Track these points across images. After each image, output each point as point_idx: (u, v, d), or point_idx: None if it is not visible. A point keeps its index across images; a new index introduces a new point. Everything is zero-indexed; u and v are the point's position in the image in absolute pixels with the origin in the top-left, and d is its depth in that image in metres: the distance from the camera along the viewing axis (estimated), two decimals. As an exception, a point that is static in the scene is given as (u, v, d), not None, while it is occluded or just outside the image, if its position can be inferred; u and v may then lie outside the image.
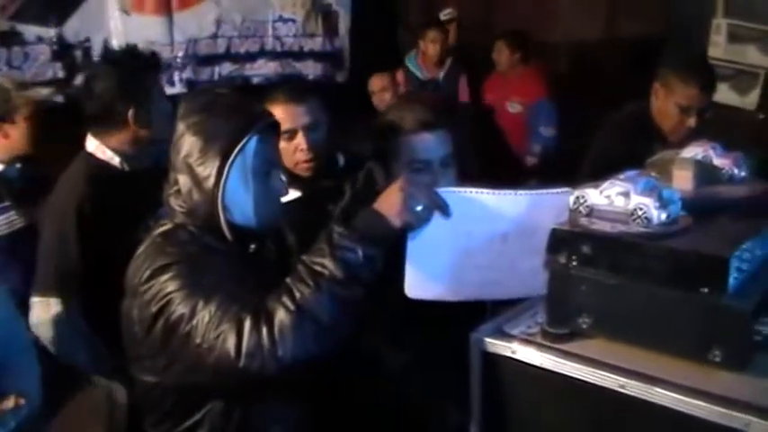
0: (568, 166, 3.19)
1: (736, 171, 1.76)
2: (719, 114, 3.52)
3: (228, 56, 5.90)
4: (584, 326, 1.55)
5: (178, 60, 5.62)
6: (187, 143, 1.81)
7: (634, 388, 1.42)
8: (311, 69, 6.32)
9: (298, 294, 1.64)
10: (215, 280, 1.74)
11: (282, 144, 2.18)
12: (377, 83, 5.18)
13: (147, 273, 1.77)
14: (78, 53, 5.08)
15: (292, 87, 2.62)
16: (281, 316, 1.63)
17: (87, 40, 5.11)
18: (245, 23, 5.91)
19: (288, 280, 1.68)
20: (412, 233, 1.72)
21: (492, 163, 4.78)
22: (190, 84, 5.64)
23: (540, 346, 1.56)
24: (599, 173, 1.64)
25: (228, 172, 1.78)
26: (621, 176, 1.57)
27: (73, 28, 5.05)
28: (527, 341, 1.58)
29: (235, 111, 1.85)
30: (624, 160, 1.74)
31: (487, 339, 1.61)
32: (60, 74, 4.99)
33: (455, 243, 1.74)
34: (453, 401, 1.84)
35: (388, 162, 2.09)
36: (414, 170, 2.02)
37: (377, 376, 2.04)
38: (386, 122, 2.10)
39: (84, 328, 2.51)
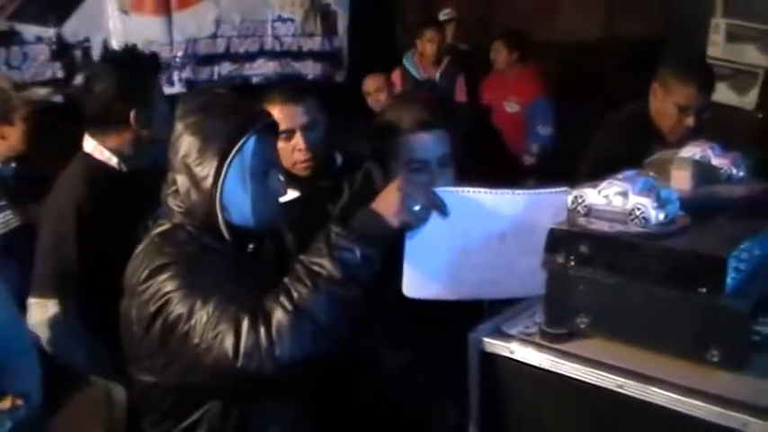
0: (566, 165, 3.19)
1: (734, 171, 1.76)
2: (718, 114, 3.52)
3: (228, 55, 5.91)
4: (583, 326, 1.55)
5: (177, 60, 5.62)
6: (185, 143, 1.81)
7: (632, 388, 1.42)
8: (310, 69, 6.33)
9: (295, 294, 1.64)
10: (213, 280, 1.74)
11: (280, 144, 2.18)
12: (372, 84, 5.18)
13: (146, 272, 1.77)
14: (77, 53, 5.08)
15: (290, 87, 2.62)
16: (278, 316, 1.63)
17: (86, 39, 5.12)
18: (245, 23, 5.92)
19: (286, 280, 1.68)
20: (410, 233, 1.72)
21: (489, 163, 4.78)
22: (189, 83, 5.65)
23: (538, 346, 1.56)
24: (598, 173, 1.64)
25: (226, 172, 1.78)
26: (620, 176, 1.57)
27: (72, 28, 5.06)
28: (525, 341, 1.58)
29: (233, 111, 1.85)
30: (623, 160, 1.74)
31: (486, 339, 1.61)
32: (59, 74, 5.00)
33: (453, 242, 1.74)
34: (453, 401, 1.84)
35: (386, 162, 2.09)
36: (411, 170, 2.02)
37: (375, 376, 2.05)
38: (384, 122, 2.11)
39: (81, 329, 2.50)
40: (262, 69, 6.07)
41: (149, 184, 1.99)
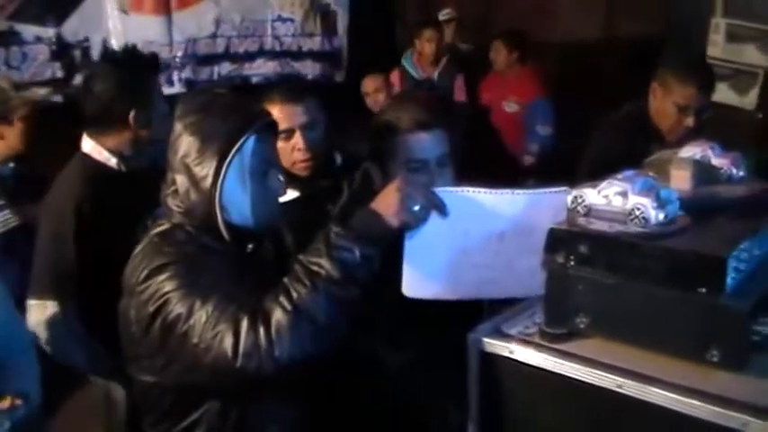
0: (566, 165, 3.19)
1: (734, 171, 1.75)
2: (718, 114, 3.52)
3: (228, 55, 5.91)
4: (582, 326, 1.55)
5: (177, 60, 5.63)
6: (184, 143, 1.81)
7: (631, 388, 1.42)
8: (310, 69, 6.33)
9: (295, 294, 1.64)
10: (212, 280, 1.74)
11: (280, 144, 2.18)
12: (370, 84, 5.18)
13: (145, 272, 1.77)
14: (77, 53, 5.09)
15: (289, 87, 2.62)
16: (277, 316, 1.63)
17: (86, 39, 5.12)
18: (244, 23, 5.92)
19: (285, 280, 1.68)
20: (409, 233, 1.72)
21: (488, 162, 4.78)
22: (189, 83, 5.65)
23: (537, 346, 1.56)
24: (597, 173, 1.64)
25: (226, 172, 1.78)
26: (619, 176, 1.57)
27: (71, 28, 5.06)
28: (525, 341, 1.58)
29: (232, 111, 1.85)
30: (622, 160, 1.74)
31: (485, 339, 1.60)
32: (59, 74, 5.00)
33: (452, 242, 1.74)
34: (453, 401, 1.84)
35: (385, 162, 2.08)
36: (410, 170, 2.02)
37: (375, 376, 2.04)
38: (383, 122, 2.10)
39: (80, 329, 2.50)
40: (261, 69, 6.07)
41: (148, 184, 1.99)
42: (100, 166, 2.62)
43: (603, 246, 1.51)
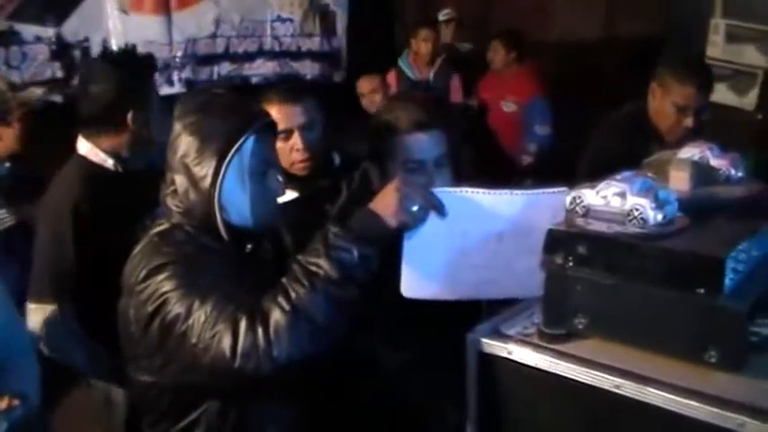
0: (564, 165, 3.19)
1: (732, 172, 1.75)
2: (717, 115, 3.52)
3: (227, 55, 5.91)
4: (581, 326, 1.55)
5: (177, 60, 5.63)
6: (184, 143, 1.81)
7: (629, 388, 1.42)
8: (309, 69, 6.33)
9: (293, 294, 1.64)
10: (211, 280, 1.74)
11: (278, 144, 2.18)
12: (366, 85, 5.17)
13: (144, 272, 1.77)
14: (77, 53, 5.08)
15: (287, 87, 2.62)
16: (276, 316, 1.63)
17: (86, 39, 5.12)
18: (244, 23, 5.92)
19: (283, 280, 1.68)
20: (408, 233, 1.72)
21: (485, 163, 4.79)
22: (189, 83, 5.65)
23: (536, 347, 1.56)
24: (596, 173, 1.64)
25: (225, 172, 1.78)
26: (618, 177, 1.57)
27: (71, 27, 5.06)
28: (523, 342, 1.58)
29: (232, 111, 1.85)
30: (621, 160, 1.74)
31: (484, 340, 1.60)
32: (59, 73, 5.00)
33: (451, 242, 1.74)
34: (451, 401, 1.84)
35: (384, 162, 2.09)
36: (408, 170, 2.02)
37: (373, 376, 2.05)
38: (381, 122, 2.11)
39: (78, 330, 2.50)
40: (261, 69, 6.07)
41: (145, 184, 1.99)
42: (97, 168, 2.60)
43: (602, 246, 1.51)
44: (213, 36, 5.79)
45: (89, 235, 2.45)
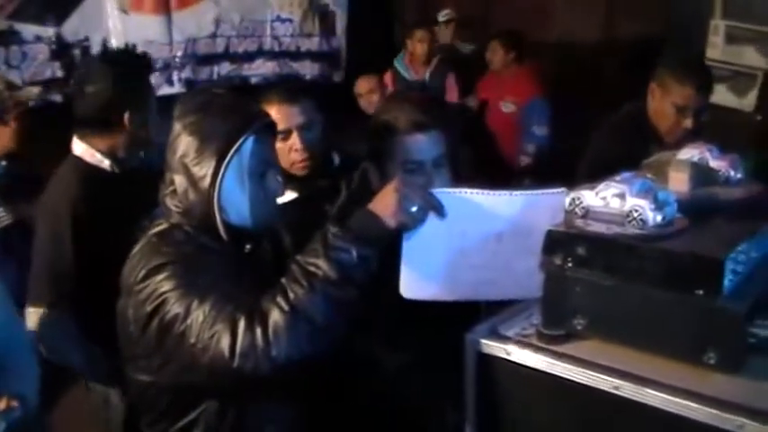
0: (562, 166, 3.18)
1: (732, 173, 1.76)
2: (717, 116, 3.52)
3: (227, 55, 5.91)
4: (580, 327, 1.55)
5: (177, 60, 5.63)
6: (183, 143, 1.81)
7: (628, 389, 1.42)
8: (308, 69, 6.33)
9: (292, 295, 1.64)
10: (210, 280, 1.74)
11: (278, 144, 2.18)
12: (364, 85, 5.18)
13: (143, 272, 1.77)
14: (77, 52, 5.07)
15: (286, 88, 2.62)
16: (275, 316, 1.63)
17: (86, 39, 5.12)
18: (244, 23, 5.92)
19: (282, 280, 1.68)
20: (407, 233, 1.72)
21: (483, 163, 4.78)
22: (189, 83, 5.65)
23: (535, 348, 1.56)
24: (596, 174, 1.64)
25: (224, 172, 1.78)
26: (617, 178, 1.57)
27: (71, 27, 5.05)
28: (522, 342, 1.58)
29: (231, 111, 1.85)
30: (620, 161, 1.74)
31: (482, 340, 1.60)
32: (59, 73, 4.99)
33: (450, 243, 1.74)
34: (451, 402, 1.84)
35: (383, 162, 2.08)
36: (407, 171, 2.02)
37: (372, 377, 2.05)
38: (380, 122, 2.11)
39: (76, 331, 2.49)
40: (260, 69, 6.07)
41: (142, 185, 1.99)
42: (93, 169, 2.60)
43: (601, 247, 1.50)
44: (213, 36, 5.79)
45: (87, 235, 2.45)
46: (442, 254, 1.76)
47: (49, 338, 2.48)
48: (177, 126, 1.83)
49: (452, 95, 5.83)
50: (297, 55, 6.27)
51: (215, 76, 5.84)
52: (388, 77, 5.72)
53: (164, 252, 1.80)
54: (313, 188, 2.44)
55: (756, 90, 5.06)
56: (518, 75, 5.76)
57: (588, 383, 1.46)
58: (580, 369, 1.48)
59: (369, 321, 1.86)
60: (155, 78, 5.17)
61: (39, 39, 4.92)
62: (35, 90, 4.25)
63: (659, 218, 1.49)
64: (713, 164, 1.75)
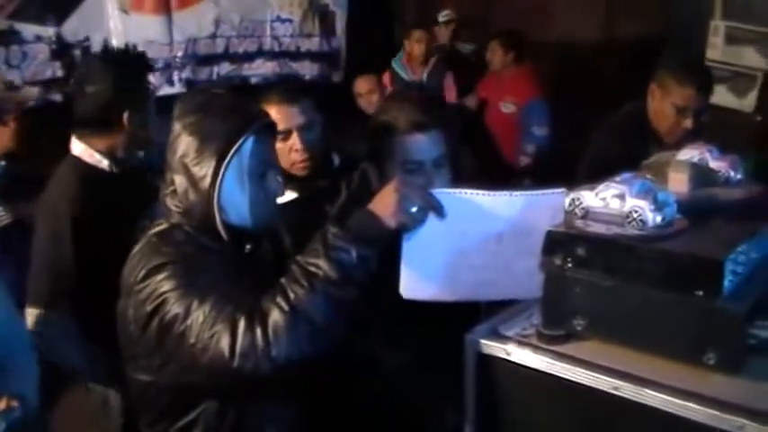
0: (562, 166, 3.18)
1: (732, 174, 1.76)
2: (717, 116, 3.52)
3: (227, 56, 5.92)
4: (579, 328, 1.55)
5: (177, 60, 5.63)
6: (183, 143, 1.81)
7: (628, 390, 1.42)
8: (308, 69, 6.34)
9: (292, 295, 1.64)
10: (210, 280, 1.74)
11: (278, 145, 2.18)
12: (363, 85, 5.17)
13: (143, 272, 1.77)
14: (77, 52, 5.07)
15: (286, 88, 2.62)
16: (275, 316, 1.63)
17: (86, 39, 5.12)
18: (244, 23, 5.93)
19: (282, 280, 1.68)
20: (407, 234, 1.72)
21: (482, 164, 4.78)
22: (189, 83, 5.65)
23: (534, 348, 1.56)
24: (596, 174, 1.64)
25: (224, 172, 1.78)
26: (617, 178, 1.57)
27: (72, 27, 5.06)
28: (522, 343, 1.58)
29: (231, 111, 1.85)
30: (620, 162, 1.74)
31: (482, 341, 1.61)
32: (59, 73, 4.99)
33: (450, 243, 1.74)
34: (451, 402, 1.84)
35: (383, 163, 2.08)
36: (407, 171, 2.02)
37: (372, 377, 2.05)
38: (380, 123, 2.10)
39: (76, 331, 2.49)
40: (260, 69, 6.08)
41: (142, 185, 1.99)
42: (92, 169, 2.59)
43: (601, 248, 1.51)
44: (213, 36, 5.80)
45: (86, 235, 2.44)
46: (441, 254, 1.76)
47: (49, 339, 2.47)
48: (177, 126, 1.83)
49: (450, 95, 5.83)
50: (296, 55, 6.28)
51: (215, 77, 5.85)
52: (386, 78, 5.72)
53: (164, 252, 1.80)
54: (313, 188, 2.45)
55: (756, 91, 5.06)
56: (517, 75, 5.76)
57: (588, 384, 1.46)
58: (580, 369, 1.48)
59: (369, 321, 1.86)
60: (155, 78, 5.20)
61: (39, 39, 4.92)
62: (34, 90, 4.26)
63: (659, 219, 1.49)
64: (713, 164, 1.76)
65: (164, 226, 1.86)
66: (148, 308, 1.74)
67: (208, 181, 1.78)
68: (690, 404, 1.35)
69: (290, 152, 2.46)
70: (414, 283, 1.76)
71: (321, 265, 1.65)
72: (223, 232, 1.82)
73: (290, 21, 6.18)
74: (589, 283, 1.52)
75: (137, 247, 1.86)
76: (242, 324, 1.63)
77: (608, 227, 1.52)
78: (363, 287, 1.68)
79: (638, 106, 3.16)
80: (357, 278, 1.66)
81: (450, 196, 1.73)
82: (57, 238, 2.49)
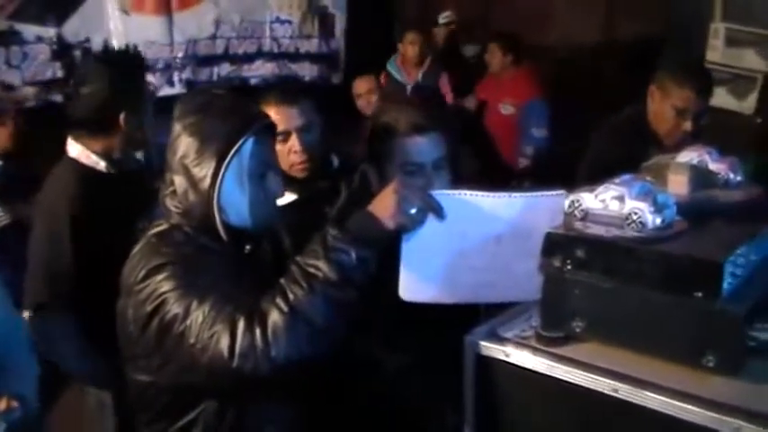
0: (561, 167, 3.18)
1: (731, 176, 1.75)
2: (717, 118, 3.52)
3: (227, 56, 5.91)
4: (578, 329, 1.55)
5: (178, 61, 5.62)
6: (183, 144, 1.81)
7: (627, 392, 1.42)
8: (307, 71, 6.34)
9: (291, 296, 1.64)
10: (210, 280, 1.74)
11: (277, 146, 2.18)
12: (363, 85, 5.18)
13: (143, 272, 1.77)
14: (78, 53, 5.07)
15: (285, 89, 2.62)
16: (274, 317, 1.63)
17: (87, 40, 5.11)
18: (243, 24, 5.93)
19: (282, 281, 1.68)
20: (406, 235, 1.72)
21: (481, 165, 4.79)
22: (189, 84, 5.65)
23: (533, 350, 1.56)
24: (596, 176, 1.64)
25: (224, 173, 1.78)
26: (617, 180, 1.57)
27: (72, 28, 5.05)
28: (521, 344, 1.58)
29: (231, 112, 1.85)
30: (620, 163, 1.74)
31: (482, 342, 1.61)
32: (59, 74, 4.99)
33: (449, 245, 1.74)
34: (450, 404, 1.84)
35: (382, 164, 2.09)
36: (407, 173, 2.02)
37: (372, 378, 2.05)
38: (380, 124, 2.11)
39: (73, 330, 2.49)
40: (260, 71, 6.07)
41: (139, 186, 1.99)
42: (89, 170, 2.58)
43: (600, 250, 1.51)
44: (213, 37, 5.79)
45: (84, 234, 2.44)
46: (441, 256, 1.76)
47: (46, 338, 2.47)
48: (177, 127, 1.84)
49: (446, 97, 5.84)
50: (296, 56, 6.28)
51: (215, 77, 5.85)
52: (382, 80, 5.72)
53: (163, 252, 1.80)
54: (312, 190, 2.44)
55: (756, 93, 5.07)
56: (516, 77, 5.76)
57: (587, 386, 1.46)
58: (579, 371, 1.48)
59: (368, 323, 1.86)
60: (155, 79, 5.20)
61: (39, 39, 4.91)
62: (32, 90, 4.26)
63: (658, 220, 1.49)
64: (713, 167, 1.75)
65: (163, 226, 1.87)
66: (148, 308, 1.74)
67: (208, 182, 1.78)
68: (689, 406, 1.35)
69: (289, 154, 2.46)
70: (413, 285, 1.76)
71: (320, 267, 1.65)
72: (223, 233, 1.82)
73: (290, 22, 6.18)
74: (588, 284, 1.52)
75: (136, 248, 1.86)
76: (241, 324, 1.63)
77: (607, 229, 1.52)
78: (363, 288, 1.68)
79: (638, 109, 3.16)
80: (356, 279, 1.66)
81: (450, 198, 1.72)
82: (54, 237, 2.48)
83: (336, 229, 1.68)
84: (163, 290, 1.73)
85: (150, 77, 5.11)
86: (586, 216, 1.55)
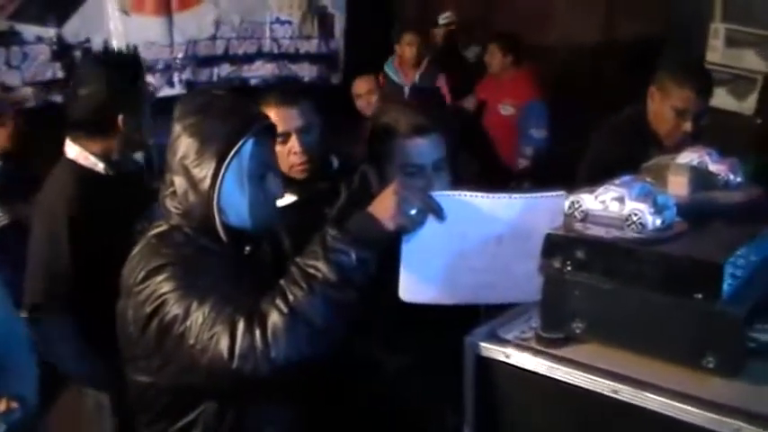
0: (561, 168, 3.18)
1: (731, 177, 1.75)
2: (717, 119, 3.52)
3: (227, 57, 5.91)
4: (578, 331, 1.55)
5: (178, 61, 5.62)
6: (183, 145, 1.81)
7: (627, 393, 1.42)
8: (307, 71, 6.34)
9: (291, 297, 1.64)
10: (210, 281, 1.74)
11: (276, 147, 2.18)
12: (363, 86, 5.17)
13: (142, 273, 1.77)
14: (78, 54, 5.07)
15: (284, 90, 2.62)
16: (274, 318, 1.63)
17: (87, 40, 5.11)
18: (243, 25, 5.93)
19: (282, 282, 1.68)
20: (406, 236, 1.72)
21: (481, 166, 4.78)
22: (189, 85, 5.65)
23: (533, 351, 1.56)
24: (596, 177, 1.64)
25: (224, 174, 1.78)
26: (616, 181, 1.57)
27: (72, 28, 5.05)
28: (521, 346, 1.58)
29: (231, 113, 1.85)
30: (620, 164, 1.74)
31: (482, 343, 1.61)
32: (60, 74, 4.99)
33: (449, 246, 1.74)
34: (450, 405, 1.84)
35: (382, 165, 2.09)
36: (407, 174, 2.02)
37: (372, 379, 2.05)
38: (380, 125, 2.11)
39: (71, 331, 2.49)
40: (260, 71, 6.07)
41: (137, 187, 1.99)
42: (87, 172, 2.58)
43: (600, 251, 1.51)
44: (213, 38, 5.80)
45: (83, 235, 2.44)
46: (441, 257, 1.76)
47: (45, 339, 2.47)
48: (177, 127, 1.84)
49: (444, 98, 5.84)
50: (295, 57, 6.28)
51: (215, 78, 5.85)
52: (382, 80, 5.72)
53: (163, 253, 1.80)
54: (312, 191, 2.44)
55: (756, 93, 5.07)
56: (516, 77, 5.76)
57: (587, 387, 1.46)
58: (579, 372, 1.48)
59: (368, 324, 1.86)
60: (155, 80, 5.21)
61: (40, 39, 4.91)
62: (30, 90, 4.26)
63: (658, 221, 1.49)
64: (713, 167, 1.75)
65: (163, 227, 1.87)
66: (148, 309, 1.74)
67: (207, 182, 1.78)
68: (689, 407, 1.35)
69: (289, 155, 2.46)
70: (413, 286, 1.76)
71: (320, 268, 1.65)
72: (223, 234, 1.82)
73: (290, 23, 6.18)
74: (588, 285, 1.52)
75: (136, 249, 1.86)
76: (241, 325, 1.63)
77: (607, 230, 1.52)
78: (362, 289, 1.68)
79: (638, 109, 3.16)
80: (356, 280, 1.66)
81: (450, 199, 1.72)
82: (53, 238, 2.48)
83: (336, 230, 1.68)
84: (163, 291, 1.73)
85: (150, 78, 5.11)
86: (586, 217, 1.55)
